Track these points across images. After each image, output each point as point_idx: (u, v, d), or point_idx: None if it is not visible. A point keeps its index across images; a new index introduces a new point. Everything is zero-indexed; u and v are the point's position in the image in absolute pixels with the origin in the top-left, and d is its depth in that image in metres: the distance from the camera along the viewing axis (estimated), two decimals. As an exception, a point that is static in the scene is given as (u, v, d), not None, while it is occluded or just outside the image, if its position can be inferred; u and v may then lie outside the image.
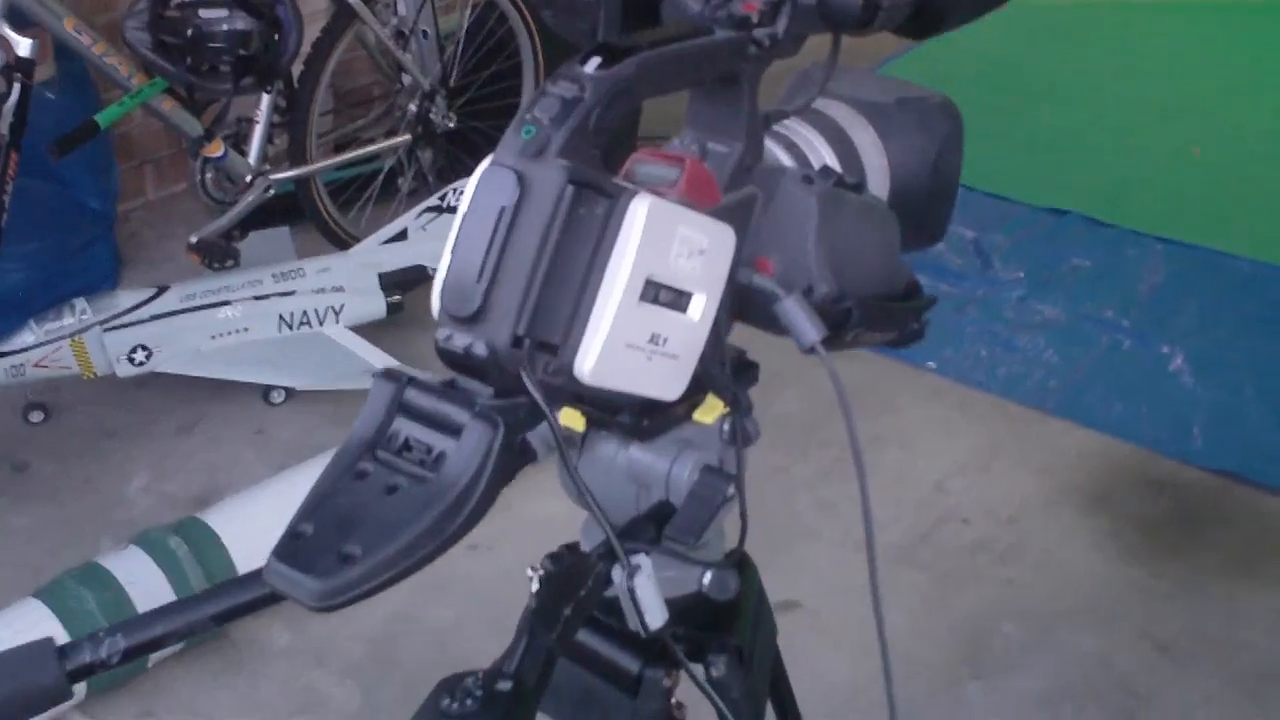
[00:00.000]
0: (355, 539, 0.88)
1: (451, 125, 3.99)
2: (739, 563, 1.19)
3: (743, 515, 1.11)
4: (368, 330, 3.50)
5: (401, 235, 3.62)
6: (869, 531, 1.10)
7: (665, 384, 0.99)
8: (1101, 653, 2.75)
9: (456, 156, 4.07)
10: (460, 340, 0.91)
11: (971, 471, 3.25)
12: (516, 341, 0.90)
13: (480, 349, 0.90)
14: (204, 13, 3.20)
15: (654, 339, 0.95)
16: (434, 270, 3.17)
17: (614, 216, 0.92)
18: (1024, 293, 3.89)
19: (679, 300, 0.96)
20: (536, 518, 2.98)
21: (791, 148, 1.12)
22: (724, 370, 1.06)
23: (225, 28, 3.21)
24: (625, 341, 0.93)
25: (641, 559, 1.01)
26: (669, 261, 0.94)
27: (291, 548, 0.88)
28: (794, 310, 1.01)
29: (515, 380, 0.91)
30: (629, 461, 1.10)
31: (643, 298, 0.93)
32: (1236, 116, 5.03)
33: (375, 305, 3.52)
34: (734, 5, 1.04)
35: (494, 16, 4.09)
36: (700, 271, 0.97)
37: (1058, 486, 3.20)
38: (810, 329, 1.01)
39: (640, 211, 0.91)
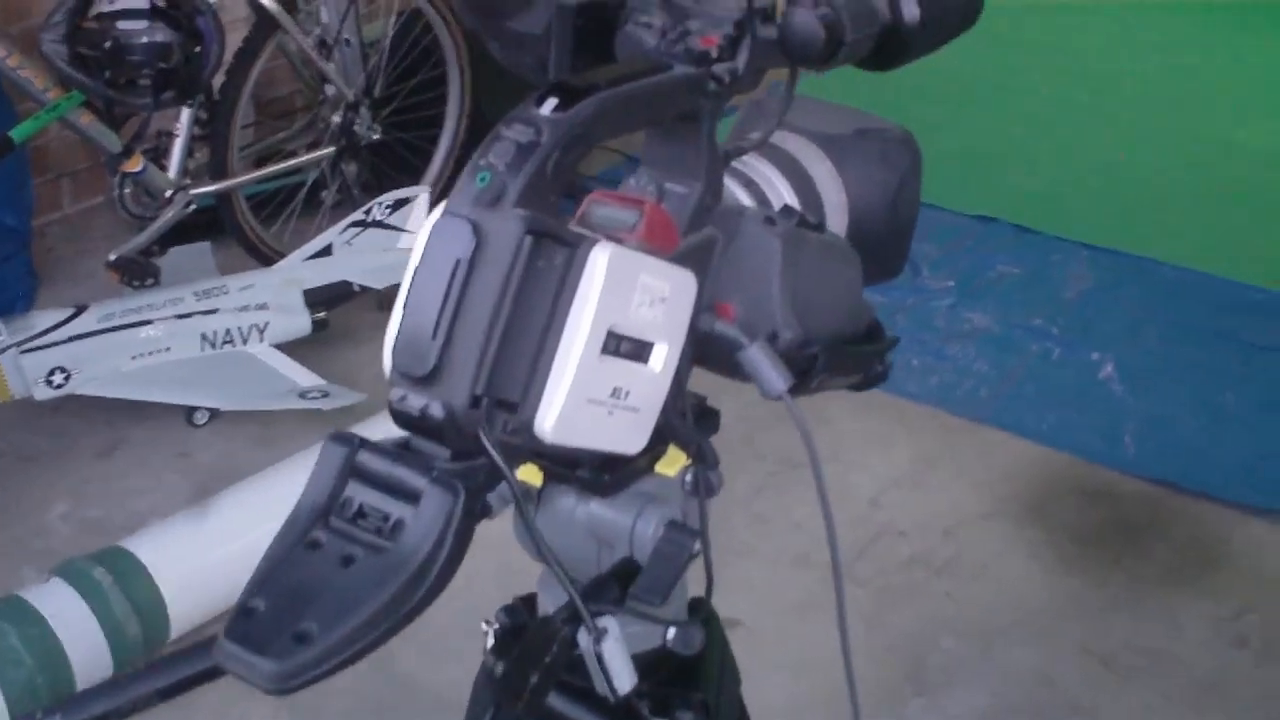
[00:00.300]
0: (311, 615, 0.82)
1: (376, 137, 3.93)
2: (698, 610, 1.14)
3: (708, 569, 1.07)
4: (293, 348, 3.43)
5: (326, 251, 3.56)
6: (838, 586, 1.05)
7: (627, 438, 0.95)
8: (1043, 667, 2.74)
9: (381, 169, 4.00)
10: (415, 401, 0.86)
11: (906, 484, 3.23)
12: (474, 401, 0.85)
13: (437, 410, 0.85)
14: (122, 24, 3.11)
15: (615, 393, 0.91)
16: (359, 287, 3.10)
17: (573, 267, 0.87)
18: (953, 301, 3.89)
19: (640, 351, 0.92)
20: (481, 539, 2.95)
21: (749, 185, 1.09)
22: (686, 421, 1.02)
23: (145, 40, 3.13)
24: (587, 397, 0.89)
25: (609, 622, 0.97)
26: (630, 311, 0.90)
27: (243, 627, 0.83)
28: (759, 359, 0.97)
29: (473, 440, 0.86)
30: (589, 517, 1.06)
31: (604, 351, 0.89)
32: (1162, 122, 5.06)
33: (300, 323, 3.45)
34: (692, 40, 1.00)
35: (419, 25, 4.02)
36: (662, 320, 0.93)
37: (993, 498, 3.19)
38: (776, 378, 0.97)
39: (601, 261, 0.87)
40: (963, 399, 3.52)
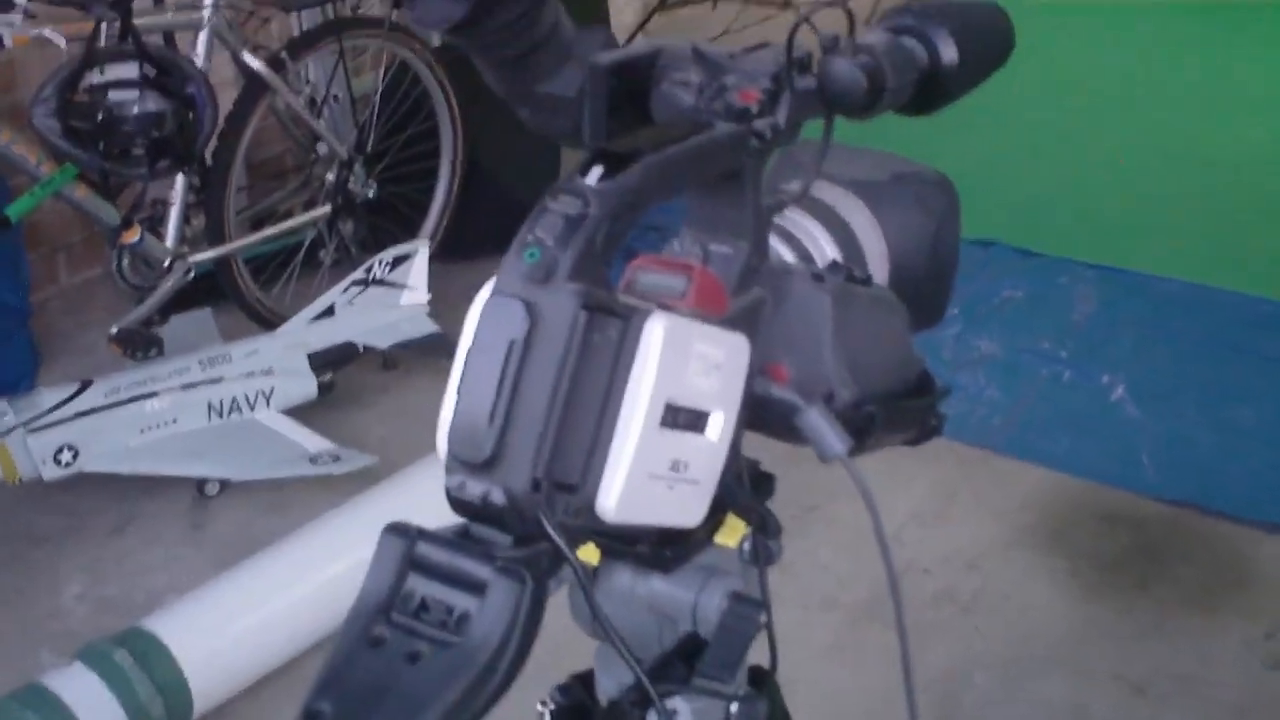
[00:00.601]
0: (380, 716, 0.79)
1: (371, 194, 3.91)
2: (762, 682, 1.11)
3: (771, 640, 1.04)
4: (300, 412, 3.40)
5: (329, 312, 3.53)
6: (904, 649, 1.02)
7: (687, 511, 0.92)
8: (1076, 698, 2.70)
9: (378, 225, 3.97)
10: (475, 488, 0.84)
11: (927, 519, 3.20)
12: (535, 485, 0.82)
13: (498, 497, 0.83)
14: (114, 95, 3.09)
15: (675, 465, 0.88)
16: (364, 347, 3.07)
17: (628, 339, 0.85)
18: (960, 329, 3.86)
19: (697, 421, 0.90)
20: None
21: (790, 240, 1.06)
22: (744, 488, 0.99)
23: (137, 110, 3.10)
24: (647, 473, 0.86)
25: (678, 703, 0.94)
26: (686, 381, 0.87)
27: None
28: (817, 422, 0.94)
29: (534, 525, 0.83)
30: (650, 594, 1.03)
31: (663, 424, 0.86)
32: (1157, 135, 5.05)
33: (306, 387, 3.42)
34: (730, 96, 0.97)
35: (408, 78, 4.00)
36: (717, 388, 0.90)
37: (1014, 528, 3.16)
38: (836, 441, 0.94)
39: (657, 332, 0.84)
40: (976, 428, 3.49)
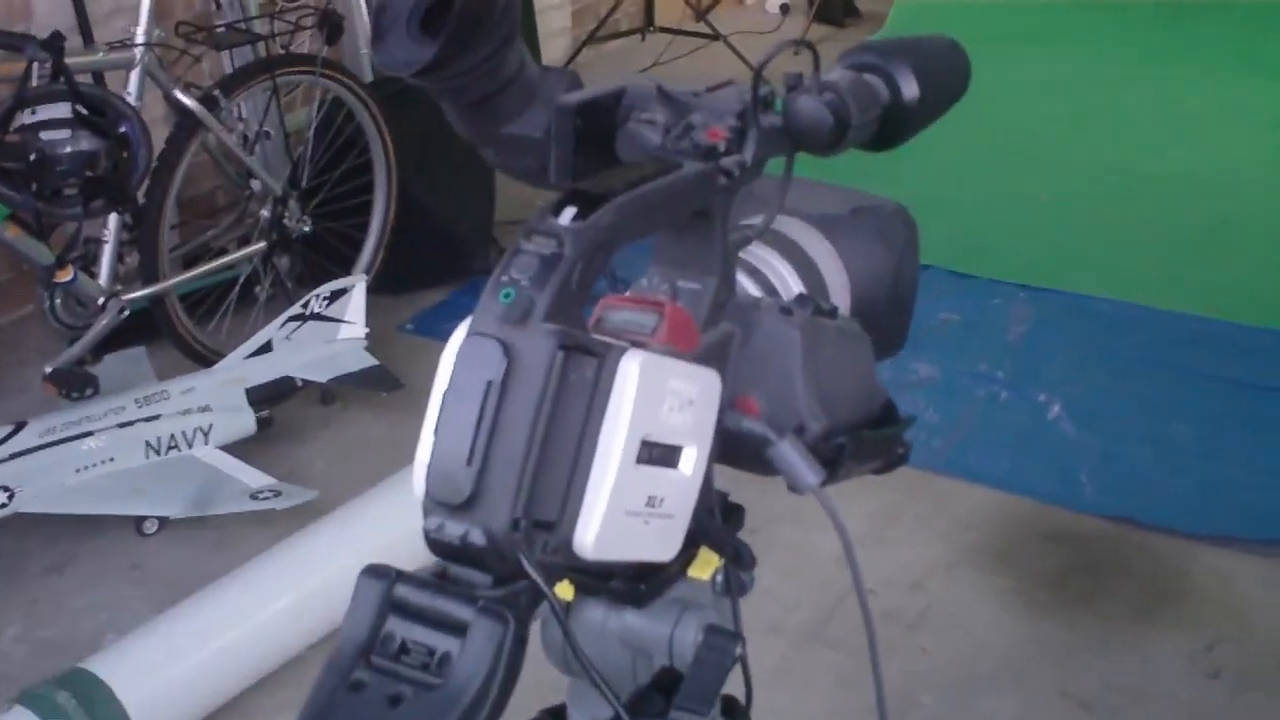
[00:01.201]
0: None
1: (306, 229, 3.88)
2: (734, 713, 1.12)
3: (746, 674, 1.04)
4: (239, 448, 3.37)
5: (266, 347, 3.51)
6: (878, 679, 1.03)
7: (663, 545, 0.92)
8: (1024, 715, 2.73)
9: (314, 260, 3.95)
10: (454, 529, 0.84)
11: (869, 541, 3.21)
12: (514, 525, 0.83)
13: (478, 538, 0.83)
14: (46, 135, 3.06)
15: (650, 501, 0.89)
16: (302, 381, 3.05)
17: (604, 377, 0.85)
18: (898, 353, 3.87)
19: (671, 456, 0.90)
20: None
21: (755, 274, 1.07)
22: (716, 521, 1.00)
23: (70, 149, 3.07)
24: (624, 510, 0.87)
25: (658, 739, 0.94)
26: (661, 417, 0.88)
27: None
28: (790, 455, 0.95)
29: (513, 564, 0.83)
30: (623, 628, 1.03)
31: (639, 460, 0.87)
32: (1083, 157, 5.11)
33: (245, 422, 3.39)
34: (697, 134, 0.98)
35: (341, 113, 3.99)
36: (691, 423, 0.91)
37: (956, 548, 3.18)
38: (809, 473, 0.95)
39: (632, 370, 0.85)
40: (917, 450, 3.42)
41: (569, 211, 0.86)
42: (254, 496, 3.17)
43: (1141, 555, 3.15)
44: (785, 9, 6.97)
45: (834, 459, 0.99)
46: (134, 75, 3.43)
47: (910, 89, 1.04)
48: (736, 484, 1.04)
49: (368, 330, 3.60)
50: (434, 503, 0.84)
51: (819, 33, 6.68)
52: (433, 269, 4.27)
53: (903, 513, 3.30)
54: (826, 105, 0.98)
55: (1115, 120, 5.49)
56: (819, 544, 3.16)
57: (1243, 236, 4.57)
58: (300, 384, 3.50)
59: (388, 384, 3.55)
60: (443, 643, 0.83)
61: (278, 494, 3.17)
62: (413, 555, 2.79)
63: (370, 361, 3.56)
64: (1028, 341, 3.94)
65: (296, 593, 2.83)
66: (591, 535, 0.85)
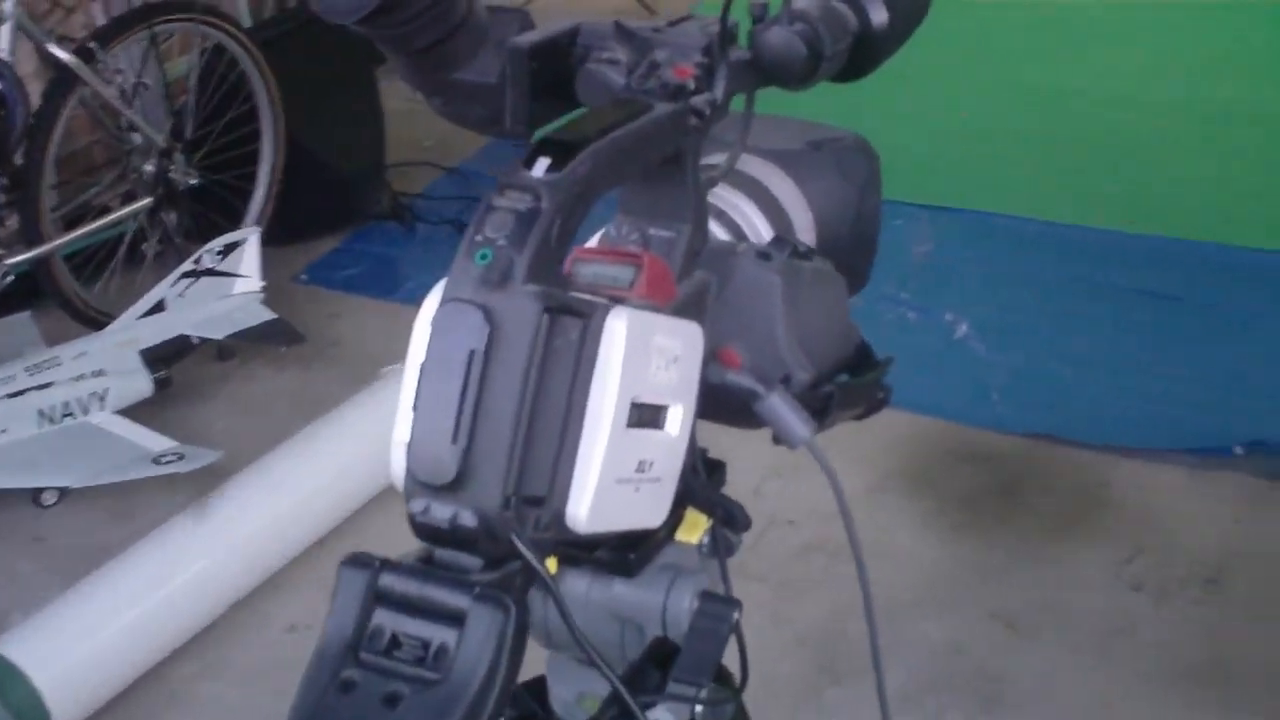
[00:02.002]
0: None
1: (194, 182, 3.76)
2: (726, 681, 1.07)
3: (740, 639, 1.00)
4: (137, 411, 3.26)
5: (159, 306, 3.39)
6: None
7: (653, 511, 0.87)
8: (951, 638, 2.72)
9: (203, 214, 3.83)
10: (441, 511, 0.78)
11: (786, 470, 3.18)
12: (506, 503, 0.77)
13: (468, 519, 0.77)
14: (-85, 98, 2.92)
15: (640, 466, 0.84)
16: (198, 339, 2.95)
17: (589, 339, 0.79)
18: (804, 276, 3.85)
19: (658, 417, 0.85)
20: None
21: (721, 216, 1.01)
22: (702, 480, 0.95)
23: (-59, 112, 2.94)
24: (616, 478, 0.81)
25: (660, 713, 0.89)
26: (649, 377, 0.82)
27: None
28: (780, 408, 0.90)
29: (506, 545, 0.78)
30: (611, 599, 0.98)
31: (629, 424, 0.81)
32: (978, 76, 5.09)
33: (141, 384, 3.28)
34: (664, 73, 0.92)
35: (223, 60, 3.86)
36: (676, 381, 0.85)
37: (875, 473, 3.17)
38: (801, 426, 0.91)
39: (619, 329, 0.79)
40: None
41: (543, 162, 0.80)
42: (156, 461, 3.07)
43: (1059, 471, 3.16)
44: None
45: (822, 408, 0.95)
46: (5, 30, 3.28)
47: (879, 14, 0.99)
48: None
49: (264, 283, 3.50)
50: (418, 484, 0.78)
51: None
52: (325, 216, 4.17)
53: (818, 439, 3.27)
54: (799, 35, 0.93)
55: (1012, 37, 5.47)
56: (733, 477, 3.12)
57: (1142, 148, 4.57)
58: (196, 342, 3.39)
59: (287, 337, 3.46)
60: (438, 634, 0.77)
61: (181, 457, 3.07)
62: (328, 508, 2.72)
63: (268, 315, 3.46)
64: (932, 261, 3.92)
65: (208, 559, 2.76)
66: (585, 508, 0.80)
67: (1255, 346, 3.52)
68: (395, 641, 0.78)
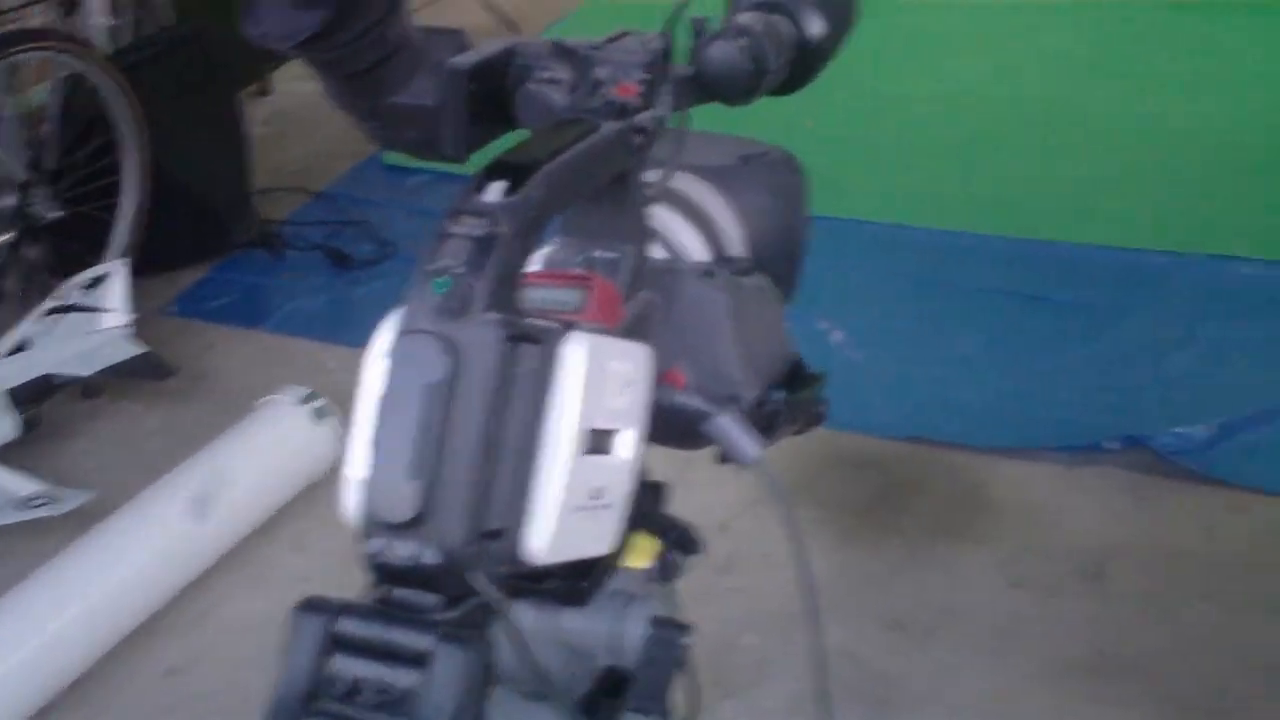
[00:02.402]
0: None
1: (56, 215, 3.66)
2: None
3: (690, 669, 0.99)
4: (4, 454, 3.17)
5: (24, 344, 3.30)
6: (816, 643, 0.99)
7: (606, 538, 0.86)
8: (843, 645, 2.73)
9: (67, 247, 3.73)
10: (403, 550, 0.76)
11: (670, 485, 3.18)
12: (469, 539, 0.75)
13: (432, 557, 0.75)
14: None
15: (595, 493, 0.83)
16: (66, 377, 2.86)
17: (547, 366, 0.78)
18: (678, 290, 3.85)
19: (611, 442, 0.84)
20: (238, 623, 2.78)
21: (657, 235, 1.01)
22: (652, 504, 0.94)
23: None
24: (573, 507, 0.80)
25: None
26: (605, 402, 0.81)
27: None
28: (730, 428, 0.90)
29: (467, 582, 0.76)
30: (559, 630, 0.96)
31: (586, 452, 0.80)
32: (832, 84, 5.13)
33: (7, 426, 3.19)
34: (608, 91, 0.91)
35: (84, 89, 3.77)
36: (628, 405, 0.85)
37: (758, 485, 3.16)
38: (750, 444, 0.90)
39: (578, 355, 0.78)
40: None
41: (497, 186, 0.79)
42: (26, 505, 2.99)
43: (939, 473, 3.20)
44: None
45: (768, 425, 0.94)
46: None
47: (816, 26, 0.99)
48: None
49: (133, 316, 3.42)
50: (376, 523, 0.76)
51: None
52: (192, 245, 4.09)
53: (699, 453, 3.27)
54: (743, 50, 0.92)
55: (856, 44, 5.52)
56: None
57: (995, 150, 4.65)
58: (65, 379, 3.30)
59: (158, 371, 3.39)
60: (400, 677, 0.75)
61: (52, 500, 2.99)
62: (207, 546, 2.65)
63: (137, 349, 3.38)
64: (807, 272, 3.94)
65: (83, 603, 2.68)
66: (544, 540, 0.79)
67: (1122, 342, 3.60)
68: (355, 687, 0.76)
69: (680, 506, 2.99)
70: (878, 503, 3.12)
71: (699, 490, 3.10)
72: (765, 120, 4.20)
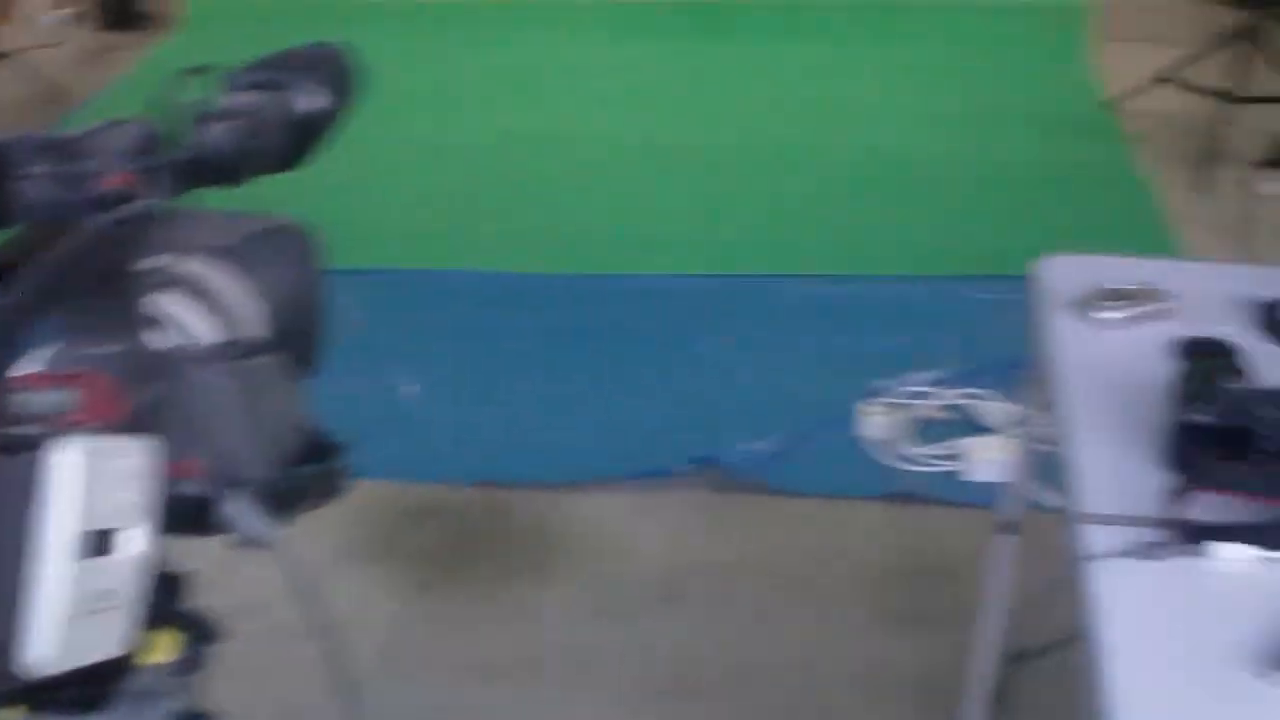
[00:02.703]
0: None
1: None
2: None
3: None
4: None
5: None
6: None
7: (116, 639, 0.84)
8: (429, 698, 2.73)
9: None
10: None
11: (239, 554, 3.10)
12: None
13: None
14: None
15: (101, 595, 0.80)
16: None
17: (33, 475, 0.75)
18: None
19: (116, 541, 0.82)
20: None
21: (165, 323, 0.98)
22: (168, 597, 0.92)
23: None
24: (77, 613, 0.77)
25: None
26: (103, 504, 0.79)
27: None
28: (243, 512, 0.89)
29: None
30: None
31: (85, 555, 0.78)
32: (391, 126, 5.14)
33: None
34: (98, 182, 0.88)
35: None
36: (134, 501, 0.83)
37: (336, 544, 3.13)
38: (262, 527, 0.89)
39: (67, 462, 0.76)
40: None
41: None
42: None
43: (516, 514, 3.23)
44: (66, 20, 6.42)
45: (284, 504, 0.94)
46: None
47: (314, 101, 0.99)
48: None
49: None
50: None
51: (111, 41, 6.24)
52: None
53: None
54: (237, 131, 0.91)
55: (430, 91, 5.51)
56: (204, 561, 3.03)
57: (561, 191, 4.76)
58: None
59: None
60: None
61: None
62: None
63: None
64: (371, 325, 3.90)
65: None
66: (45, 651, 0.76)
67: (689, 366, 3.74)
68: None
69: (259, 576, 2.92)
70: (454, 550, 3.13)
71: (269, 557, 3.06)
72: (309, 180, 4.17)
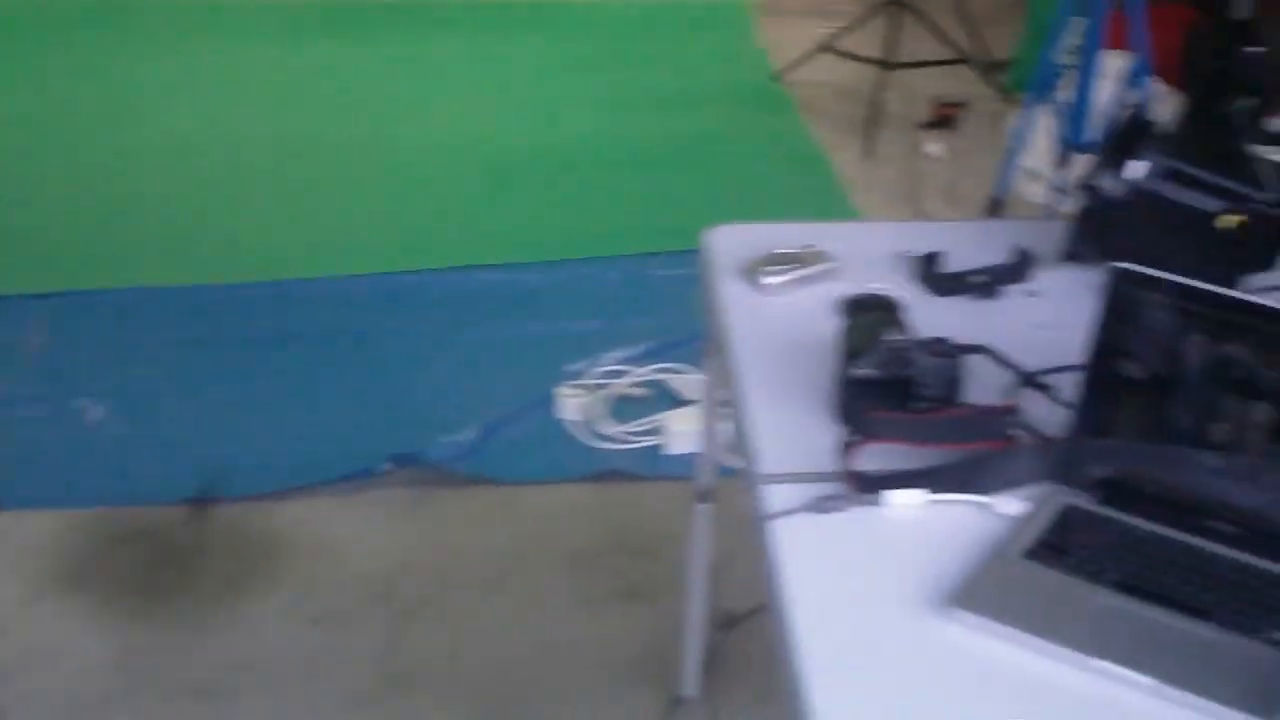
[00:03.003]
0: None
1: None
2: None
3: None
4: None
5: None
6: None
7: None
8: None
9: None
10: None
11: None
12: None
13: None
14: None
15: None
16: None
17: None
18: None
19: None
20: None
21: None
22: None
23: None
24: None
25: None
26: None
27: None
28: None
29: None
30: None
31: None
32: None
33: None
34: None
35: None
36: None
37: (28, 581, 3.02)
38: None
39: None
40: None
41: None
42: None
43: (222, 529, 3.18)
44: None
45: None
46: None
47: None
48: None
49: None
50: None
51: None
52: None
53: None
54: None
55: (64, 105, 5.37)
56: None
57: (235, 198, 4.69)
58: None
59: None
60: None
61: None
62: None
63: None
64: (50, 350, 3.80)
65: None
66: None
67: (386, 364, 3.73)
68: None
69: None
70: (162, 572, 3.06)
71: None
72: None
